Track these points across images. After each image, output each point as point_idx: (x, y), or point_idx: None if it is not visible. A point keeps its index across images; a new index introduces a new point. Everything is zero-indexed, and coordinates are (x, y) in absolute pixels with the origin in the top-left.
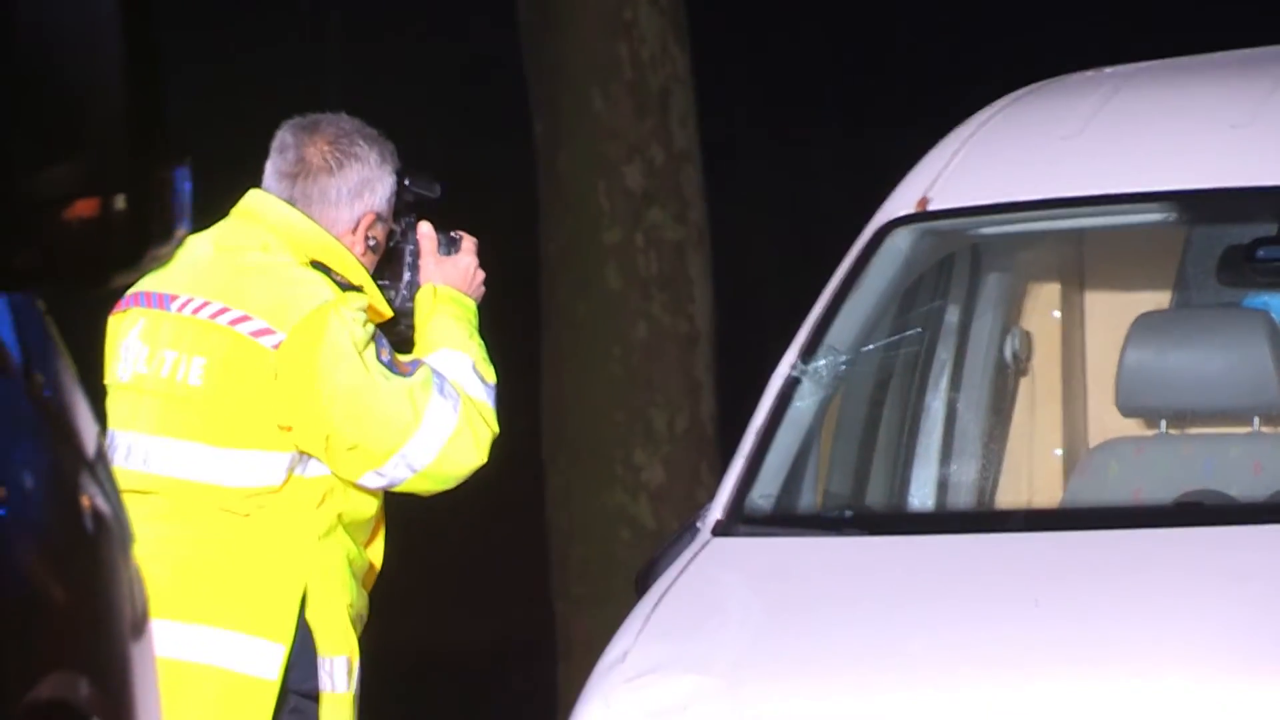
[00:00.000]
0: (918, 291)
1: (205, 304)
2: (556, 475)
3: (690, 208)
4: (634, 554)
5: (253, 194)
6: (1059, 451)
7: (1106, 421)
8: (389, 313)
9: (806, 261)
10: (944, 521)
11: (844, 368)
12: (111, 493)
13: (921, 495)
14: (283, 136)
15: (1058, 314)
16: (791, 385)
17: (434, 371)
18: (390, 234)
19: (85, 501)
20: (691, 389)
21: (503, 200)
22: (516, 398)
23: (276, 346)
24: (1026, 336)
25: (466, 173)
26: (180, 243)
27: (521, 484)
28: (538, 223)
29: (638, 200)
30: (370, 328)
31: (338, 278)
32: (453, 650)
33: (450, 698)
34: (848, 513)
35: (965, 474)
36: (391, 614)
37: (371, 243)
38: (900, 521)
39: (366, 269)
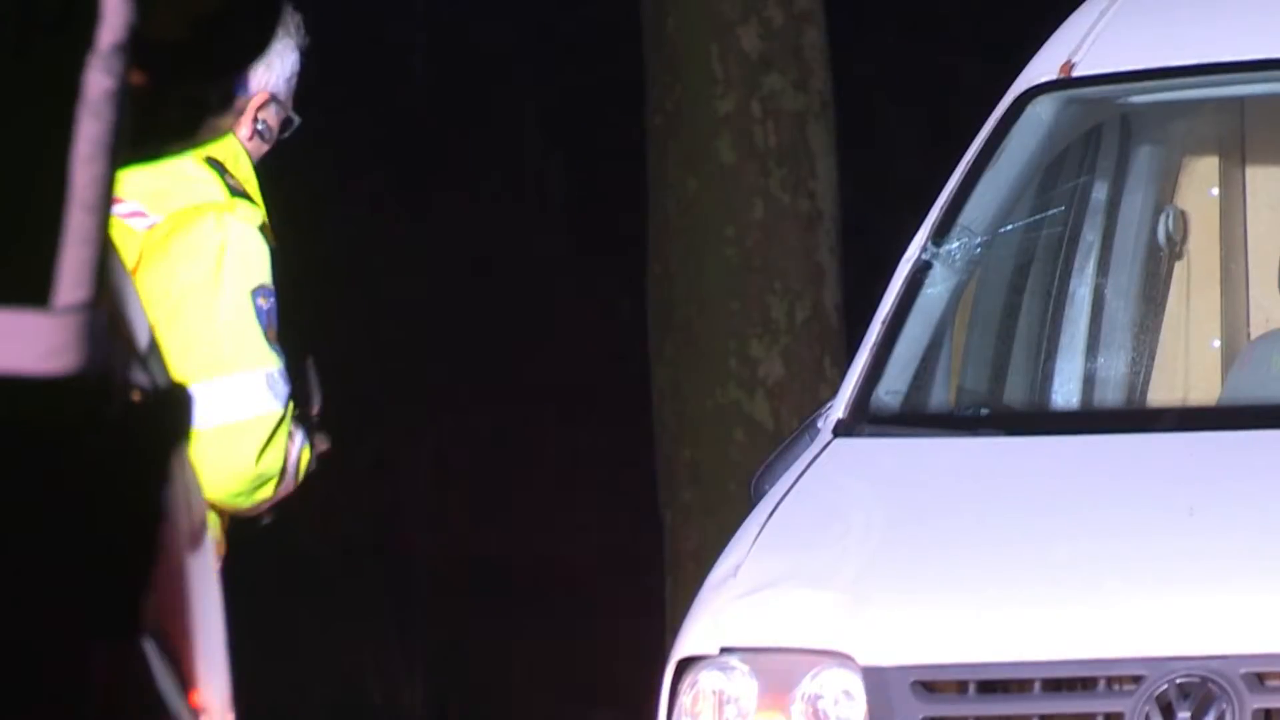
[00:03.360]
0: (1061, 166)
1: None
2: (663, 369)
3: (812, 74)
4: (749, 456)
5: None
6: (1217, 343)
7: (1269, 309)
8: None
9: (940, 133)
10: (1090, 420)
11: (980, 250)
12: (165, 387)
13: (1065, 391)
14: None
15: (1215, 191)
16: (922, 270)
17: (283, 379)
18: (286, 122)
19: (136, 397)
20: (813, 274)
21: (606, 66)
22: (621, 281)
23: (146, 230)
24: (1181, 216)
25: (565, 36)
26: (240, 113)
27: (625, 379)
28: (644, 90)
29: (754, 65)
30: (262, 254)
31: (231, 180)
32: (555, 562)
33: (552, 612)
34: (984, 410)
35: (1113, 368)
36: (494, 524)
37: (260, 126)
38: (1041, 420)
39: (251, 157)
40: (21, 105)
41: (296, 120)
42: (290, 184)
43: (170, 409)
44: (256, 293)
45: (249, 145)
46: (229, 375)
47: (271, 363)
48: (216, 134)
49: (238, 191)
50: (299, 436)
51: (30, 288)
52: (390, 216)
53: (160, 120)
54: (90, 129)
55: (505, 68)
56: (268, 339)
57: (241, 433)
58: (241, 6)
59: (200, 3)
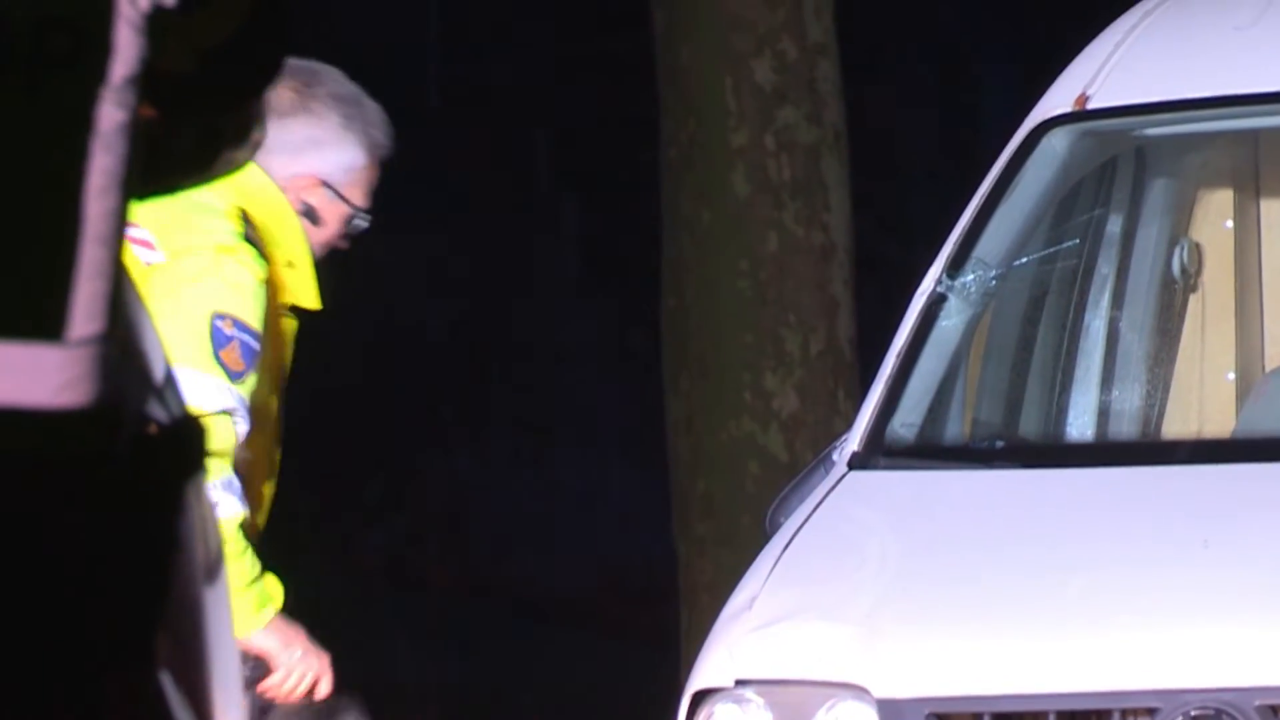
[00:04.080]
0: (1076, 198)
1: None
2: (678, 402)
3: (826, 107)
4: (763, 489)
5: None
6: (1232, 375)
7: None
8: (312, 302)
9: (954, 166)
10: (1105, 453)
11: (994, 283)
12: (180, 419)
13: (1080, 424)
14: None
15: (1230, 223)
16: (937, 302)
17: (236, 415)
18: (349, 220)
19: (152, 430)
20: (827, 307)
21: (621, 96)
22: (634, 313)
23: (148, 265)
24: (1196, 248)
25: (583, 66)
26: (257, 146)
27: (639, 411)
28: (658, 122)
29: (768, 98)
30: (246, 292)
31: (249, 230)
32: (569, 593)
33: (565, 643)
34: (998, 443)
35: (1128, 401)
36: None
37: (303, 208)
38: (1056, 453)
39: (308, 239)
40: (34, 139)
41: (363, 222)
42: None
43: (185, 440)
44: (220, 316)
45: (310, 228)
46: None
47: (216, 375)
48: (232, 166)
49: (250, 239)
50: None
51: (44, 321)
52: (402, 248)
53: (173, 152)
54: (103, 162)
55: (518, 99)
56: (221, 361)
57: None
58: (250, 38)
59: (209, 35)
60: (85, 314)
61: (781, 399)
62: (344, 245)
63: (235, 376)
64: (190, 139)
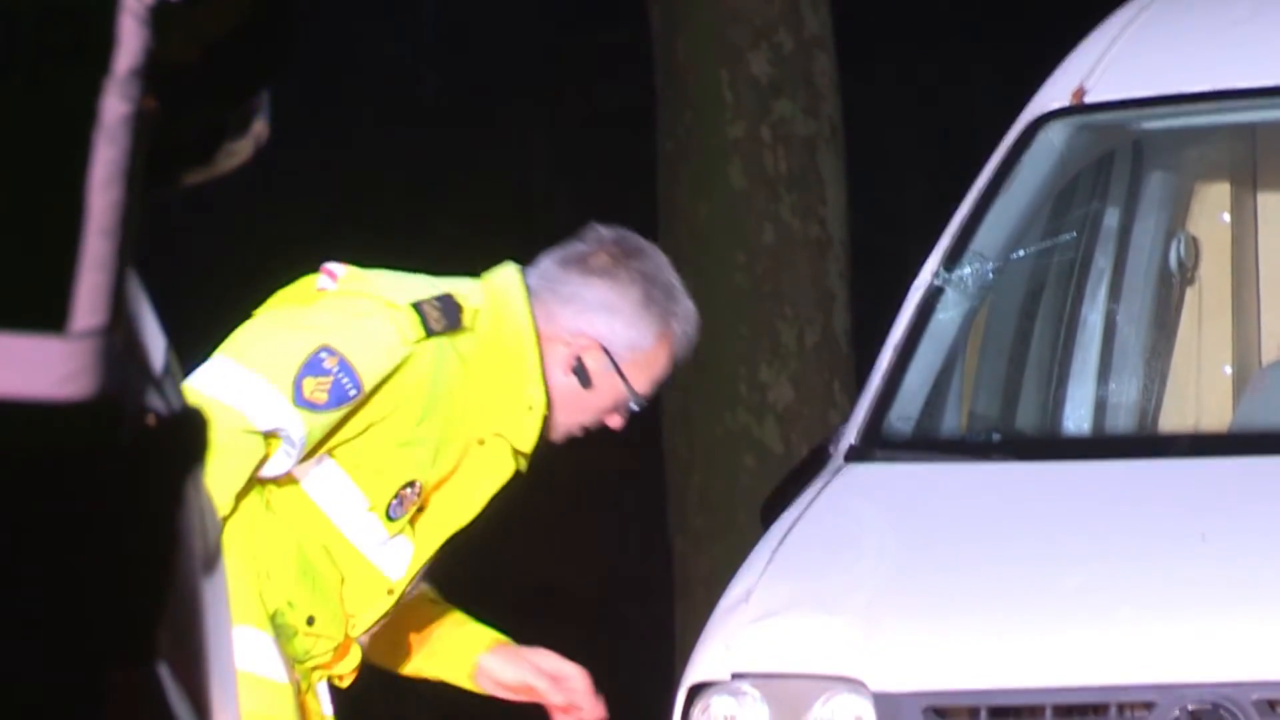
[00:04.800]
0: (1073, 192)
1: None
2: (673, 395)
3: (822, 99)
4: (759, 482)
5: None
6: (1229, 369)
7: None
8: (522, 443)
9: (951, 159)
10: (1101, 446)
11: (991, 276)
12: (180, 412)
13: (1077, 417)
14: (595, 231)
15: (1227, 217)
16: (934, 295)
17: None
18: (623, 402)
19: (151, 421)
20: (823, 300)
21: (616, 90)
22: None
23: (320, 289)
24: (1193, 242)
25: (577, 59)
26: (259, 140)
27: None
28: (655, 115)
29: (764, 91)
30: (378, 342)
31: (447, 322)
32: (564, 587)
33: (560, 638)
34: (995, 436)
35: (1125, 394)
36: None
37: (575, 364)
38: (1053, 446)
39: (549, 389)
40: (37, 130)
41: (636, 407)
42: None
43: (185, 433)
44: (329, 350)
45: (554, 378)
46: (235, 361)
47: (281, 389)
48: (235, 160)
49: (432, 330)
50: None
51: (46, 313)
52: (396, 239)
53: (175, 146)
54: (107, 154)
55: (513, 91)
56: (298, 385)
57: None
58: (254, 32)
59: (214, 27)
60: (88, 306)
61: (777, 391)
62: (617, 424)
63: (308, 405)
64: (191, 132)
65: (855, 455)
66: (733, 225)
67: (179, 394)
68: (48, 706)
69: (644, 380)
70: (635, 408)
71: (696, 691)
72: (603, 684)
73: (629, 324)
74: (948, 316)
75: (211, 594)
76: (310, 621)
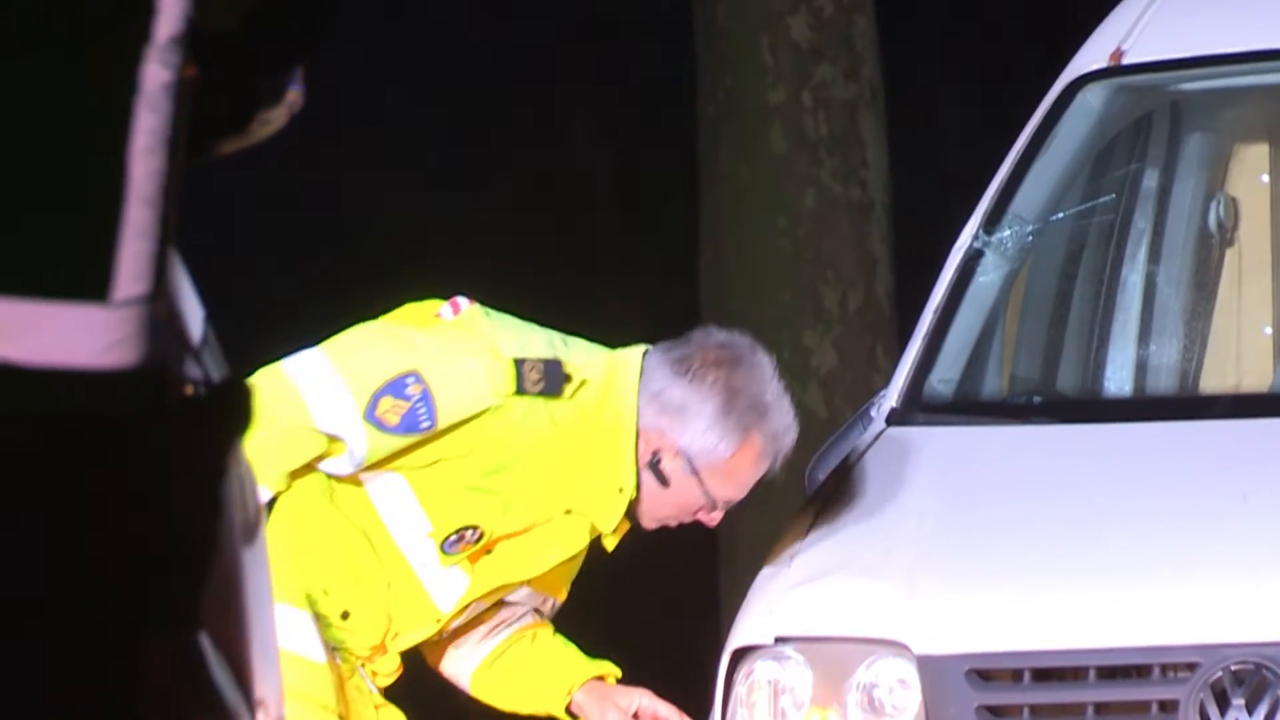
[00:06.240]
0: (1112, 154)
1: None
2: None
3: (863, 63)
4: (801, 446)
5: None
6: (1269, 330)
7: None
8: (604, 523)
9: (991, 122)
10: (1142, 408)
11: (1031, 239)
12: (222, 382)
13: (1117, 379)
14: (706, 333)
15: (1266, 178)
16: (974, 258)
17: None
18: (700, 508)
19: (189, 390)
20: (865, 263)
21: (656, 56)
22: (670, 270)
23: (437, 315)
24: (1232, 203)
25: (616, 26)
26: (294, 108)
27: None
28: (695, 80)
29: (805, 55)
30: (468, 388)
31: (541, 385)
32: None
33: (603, 602)
34: (1036, 399)
35: (1165, 355)
36: None
37: (651, 459)
38: (1094, 408)
39: (639, 479)
40: (79, 99)
41: (718, 514)
42: (337, 171)
43: (226, 403)
44: (416, 376)
45: (644, 474)
46: (328, 358)
47: (357, 399)
48: (269, 129)
49: (526, 390)
50: None
51: (89, 282)
52: (436, 208)
53: (209, 114)
54: (148, 122)
55: (554, 56)
56: (374, 401)
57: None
58: (293, 1)
59: None
60: (131, 275)
61: (820, 356)
62: (710, 522)
63: (376, 422)
64: (227, 101)
65: (896, 418)
66: (774, 190)
67: (219, 365)
68: (89, 674)
69: (725, 486)
70: (716, 518)
71: (740, 656)
72: (647, 649)
73: (703, 430)
74: (988, 279)
75: (252, 564)
76: (345, 616)
